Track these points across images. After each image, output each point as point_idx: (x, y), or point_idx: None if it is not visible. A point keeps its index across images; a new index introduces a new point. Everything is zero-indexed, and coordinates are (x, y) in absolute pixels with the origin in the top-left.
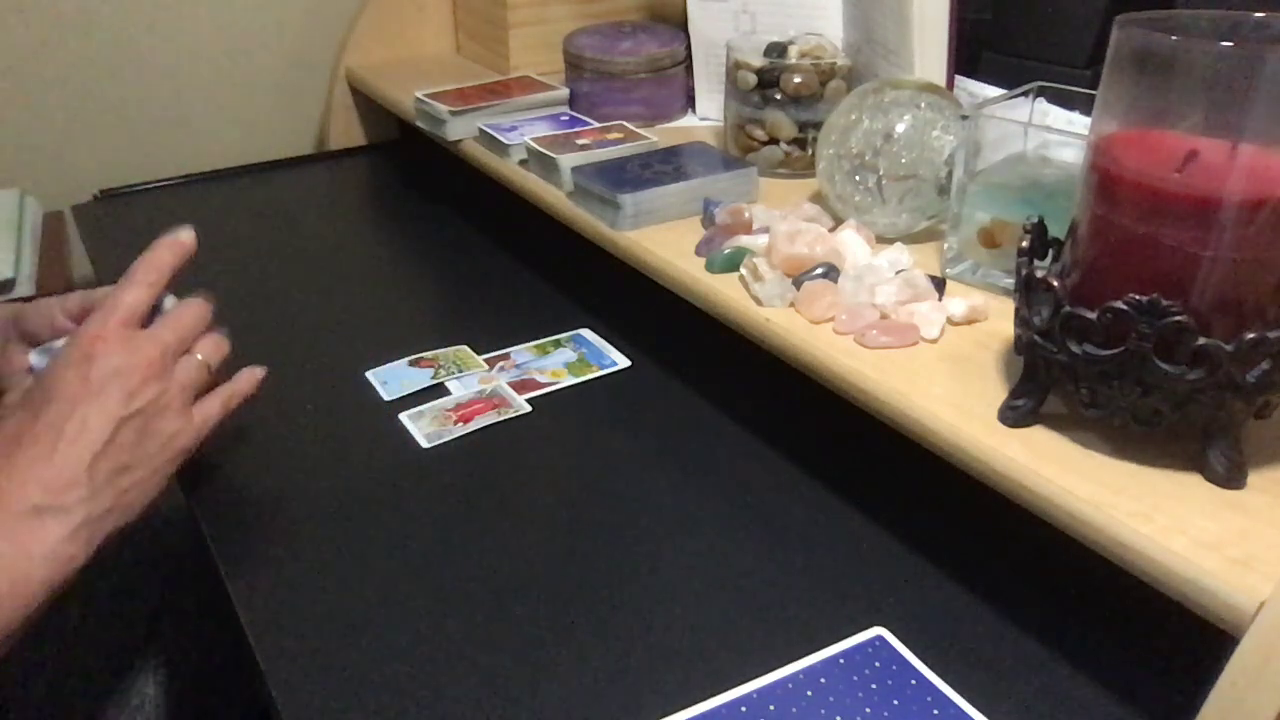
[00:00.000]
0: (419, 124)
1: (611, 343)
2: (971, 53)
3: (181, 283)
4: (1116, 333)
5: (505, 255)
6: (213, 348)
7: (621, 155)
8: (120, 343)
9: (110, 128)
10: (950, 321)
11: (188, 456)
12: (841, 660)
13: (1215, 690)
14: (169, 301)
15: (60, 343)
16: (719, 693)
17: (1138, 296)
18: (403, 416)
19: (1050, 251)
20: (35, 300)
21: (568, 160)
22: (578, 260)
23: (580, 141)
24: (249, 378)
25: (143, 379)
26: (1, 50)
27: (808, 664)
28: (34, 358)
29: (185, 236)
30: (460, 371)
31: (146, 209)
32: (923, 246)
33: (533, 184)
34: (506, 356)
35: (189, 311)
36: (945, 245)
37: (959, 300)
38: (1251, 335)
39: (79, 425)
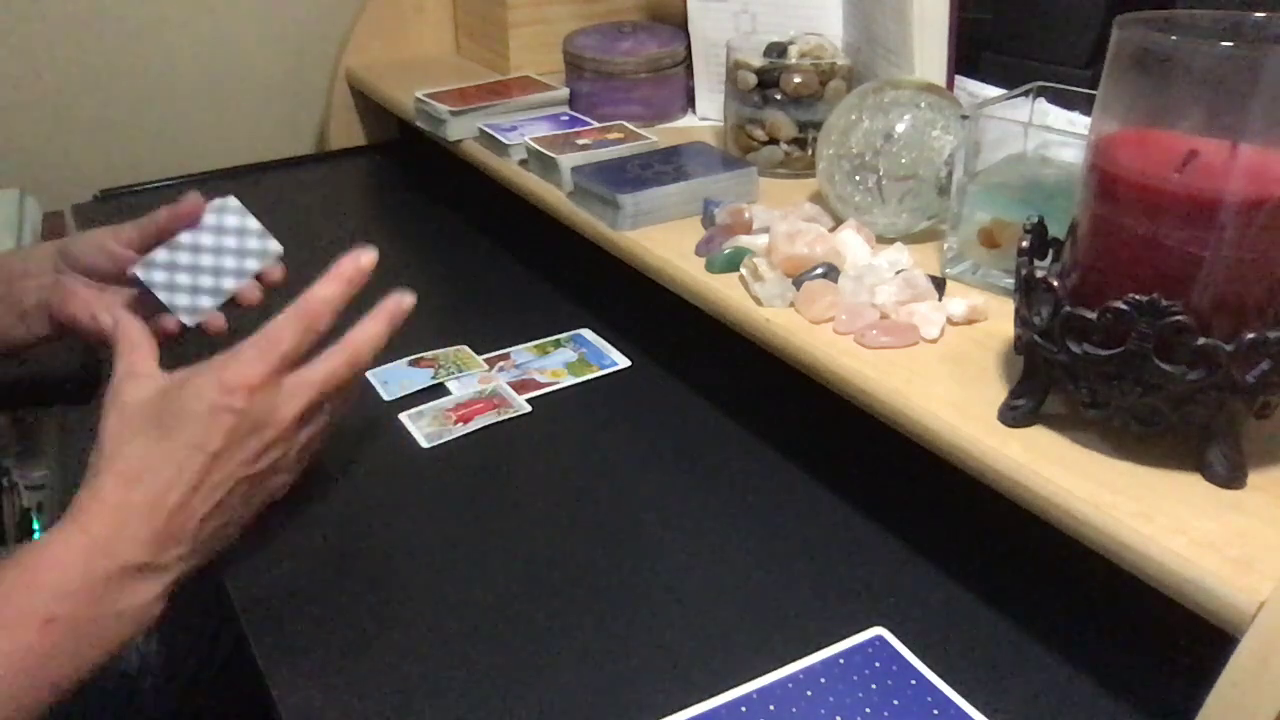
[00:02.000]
0: (419, 124)
1: (611, 343)
2: (971, 53)
3: None
4: (1116, 333)
5: (505, 255)
6: (343, 403)
7: (621, 155)
8: (265, 395)
9: (110, 128)
10: (950, 321)
11: None
12: (841, 660)
13: (1215, 690)
14: (252, 221)
15: (161, 253)
16: (719, 693)
17: (1138, 296)
18: (403, 416)
19: (1050, 251)
20: (75, 236)
21: (568, 160)
22: (578, 260)
23: (580, 141)
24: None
25: (274, 441)
26: (1, 51)
27: (808, 664)
28: (139, 271)
29: (366, 262)
30: (460, 371)
31: (146, 209)
32: (923, 246)
33: (533, 184)
34: (506, 356)
35: (343, 367)
36: (945, 245)
37: (959, 300)
38: (1251, 335)
39: (199, 480)
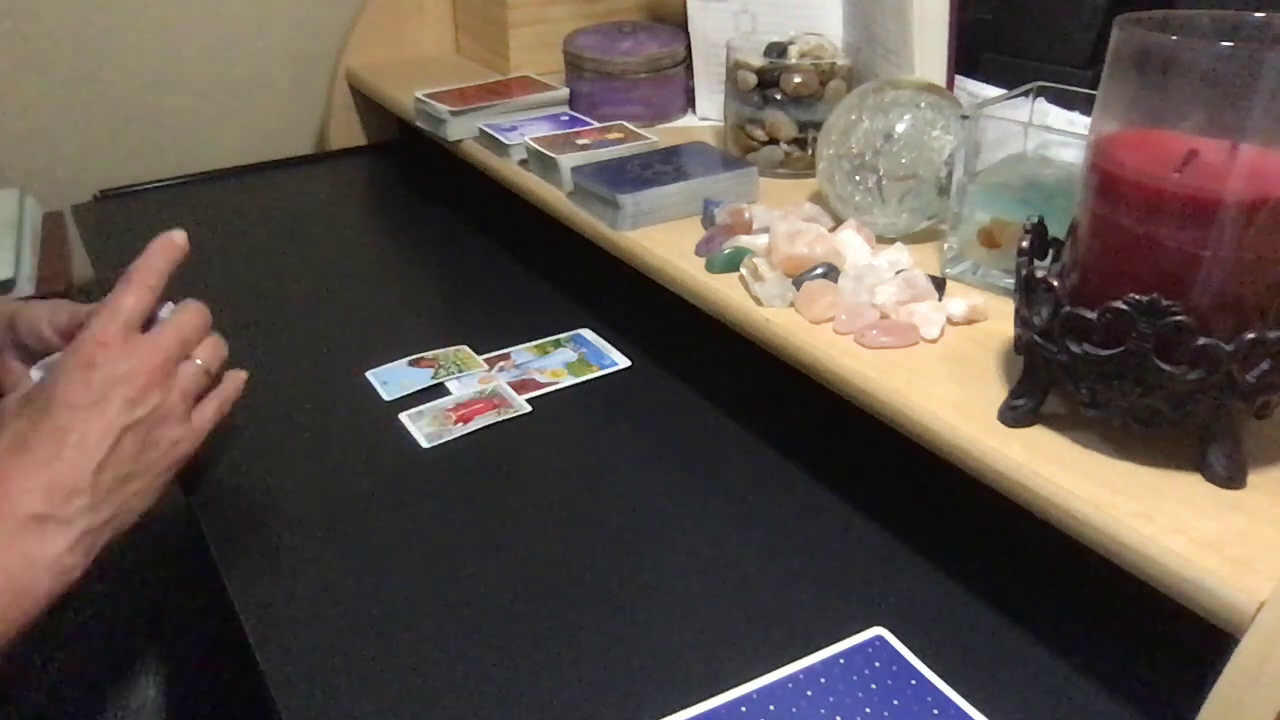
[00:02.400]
0: (419, 124)
1: (611, 343)
2: (971, 53)
3: (183, 283)
4: (1116, 333)
5: (505, 255)
6: (212, 351)
7: (621, 155)
8: (122, 349)
9: (110, 128)
10: (950, 321)
11: (186, 462)
12: (841, 660)
13: (1215, 690)
14: (165, 309)
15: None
16: (719, 693)
17: (1138, 296)
18: (403, 416)
19: (1050, 251)
20: (29, 302)
21: (568, 160)
22: (578, 260)
23: (580, 141)
24: (235, 381)
25: (145, 386)
26: (2, 51)
27: (808, 664)
28: (35, 373)
29: (178, 238)
30: (460, 371)
31: (146, 209)
32: (923, 246)
33: (533, 184)
34: (506, 356)
35: (189, 316)
36: (945, 245)
37: (959, 300)
38: (1251, 335)
39: (81, 433)
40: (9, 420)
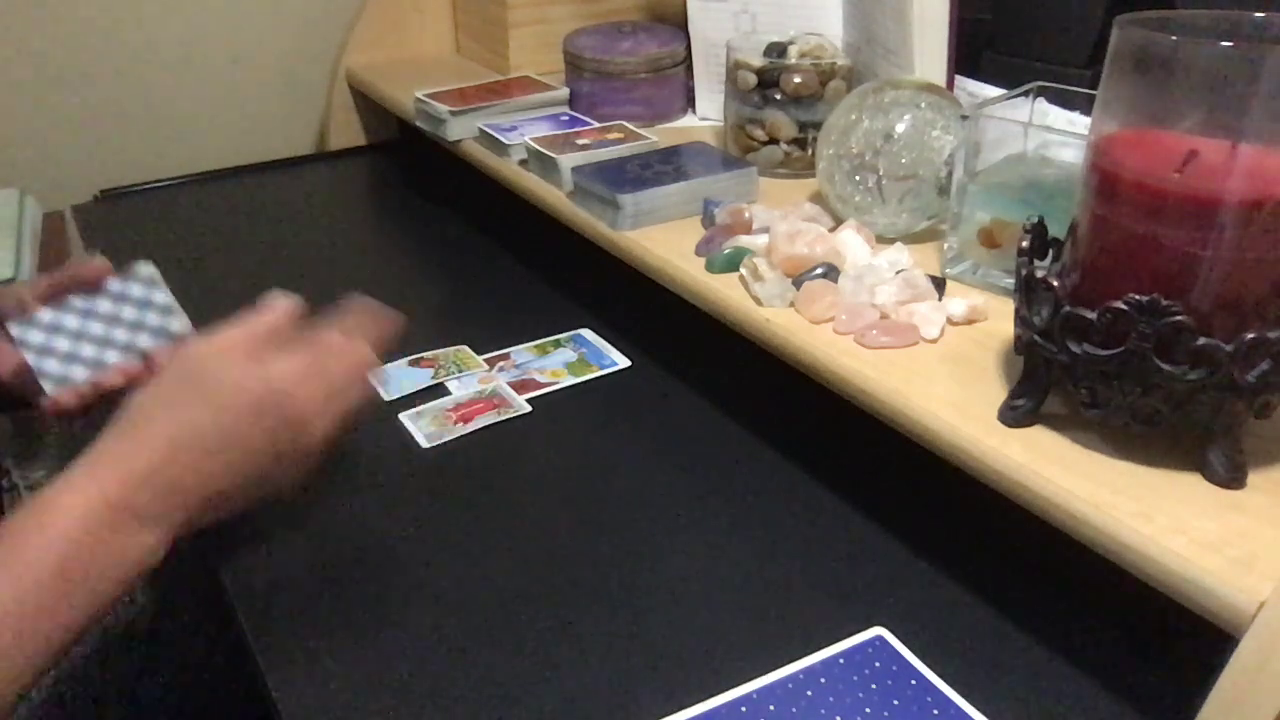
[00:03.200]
0: (419, 124)
1: (611, 343)
2: (971, 53)
3: (183, 283)
4: (1116, 333)
5: (505, 255)
6: (369, 406)
7: (621, 155)
8: (317, 403)
9: (110, 128)
10: (950, 321)
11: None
12: (841, 660)
13: (1215, 690)
14: (161, 295)
15: (46, 313)
16: (719, 693)
17: (1138, 296)
18: (403, 416)
19: (1050, 251)
20: (7, 287)
21: (568, 160)
22: (578, 260)
23: (580, 141)
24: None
25: (294, 439)
26: (2, 52)
27: (808, 664)
28: (14, 330)
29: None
30: (460, 371)
31: (146, 209)
32: (923, 246)
33: (533, 184)
34: (506, 356)
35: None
36: (945, 245)
37: (959, 300)
38: (1251, 335)
39: (216, 445)
40: (164, 373)
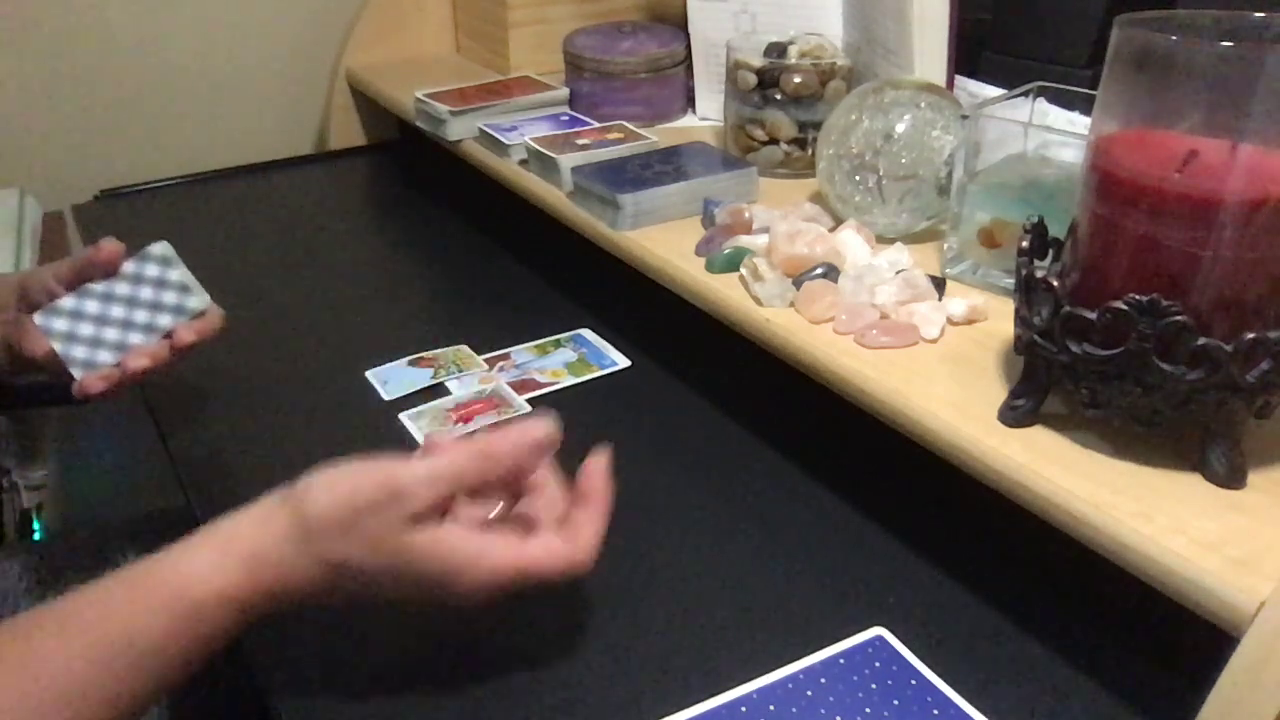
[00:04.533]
0: (419, 124)
1: (611, 343)
2: (971, 53)
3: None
4: (1116, 333)
5: (505, 255)
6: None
7: (621, 155)
8: (496, 587)
9: (110, 128)
10: (950, 321)
11: None
12: (841, 660)
13: (1215, 690)
14: (176, 273)
15: (69, 300)
16: (719, 693)
17: (1138, 296)
18: (403, 416)
19: (1050, 251)
20: (33, 270)
21: (568, 160)
22: (578, 260)
23: (580, 141)
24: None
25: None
26: (2, 51)
27: (808, 664)
28: (38, 319)
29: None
30: (460, 371)
31: (146, 209)
32: (923, 246)
33: (533, 184)
34: (506, 356)
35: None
36: (945, 245)
37: (959, 300)
38: (1251, 335)
39: (355, 597)
40: (367, 507)
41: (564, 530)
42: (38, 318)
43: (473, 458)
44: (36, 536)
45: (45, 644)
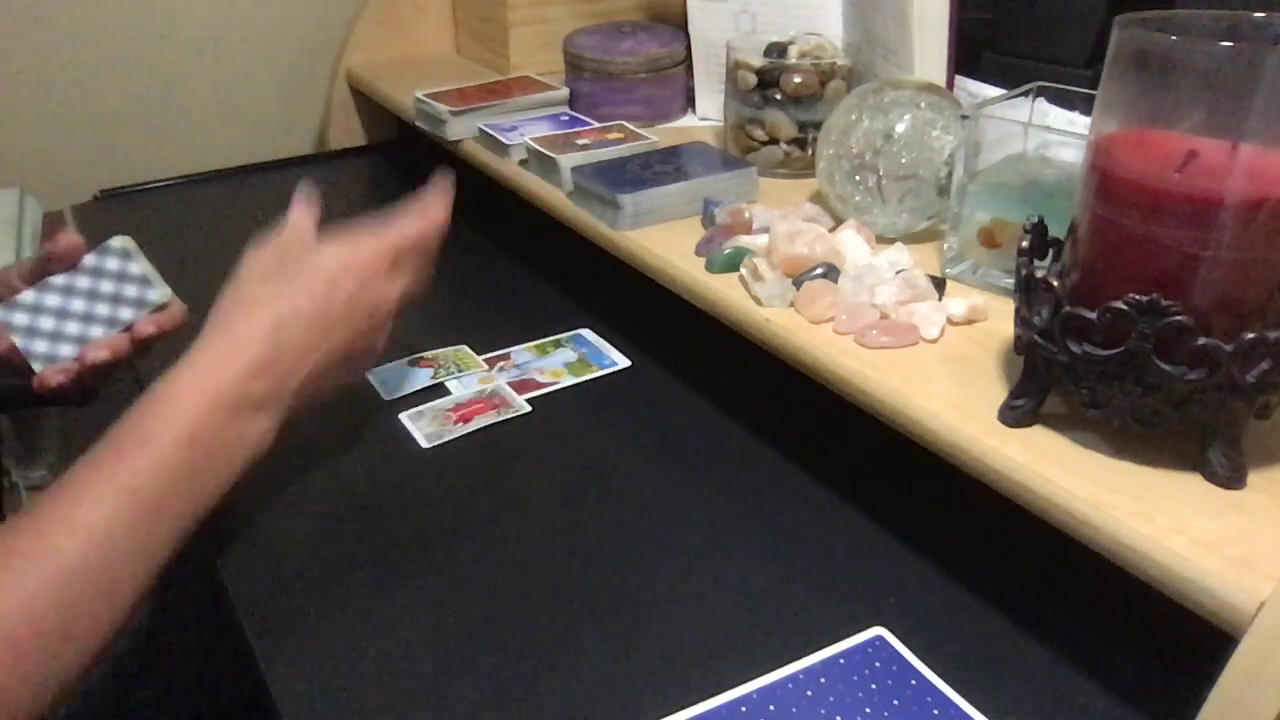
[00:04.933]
0: (419, 124)
1: (611, 343)
2: (971, 53)
3: (182, 284)
4: (1116, 333)
5: (505, 255)
6: (424, 278)
7: (621, 155)
8: (382, 281)
9: (110, 128)
10: (950, 321)
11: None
12: (841, 660)
13: (1215, 690)
14: (137, 266)
15: (29, 294)
16: (719, 693)
17: (1138, 296)
18: (403, 416)
19: (1050, 251)
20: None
21: (568, 160)
22: (578, 260)
23: (580, 141)
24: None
25: (387, 315)
26: (2, 51)
27: (808, 664)
28: (1, 311)
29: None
30: (460, 371)
31: (146, 209)
32: (923, 246)
33: (533, 184)
34: (506, 356)
35: (430, 238)
36: (945, 245)
37: (959, 300)
38: (1251, 335)
39: (318, 333)
40: (258, 257)
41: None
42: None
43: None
44: None
45: (80, 509)
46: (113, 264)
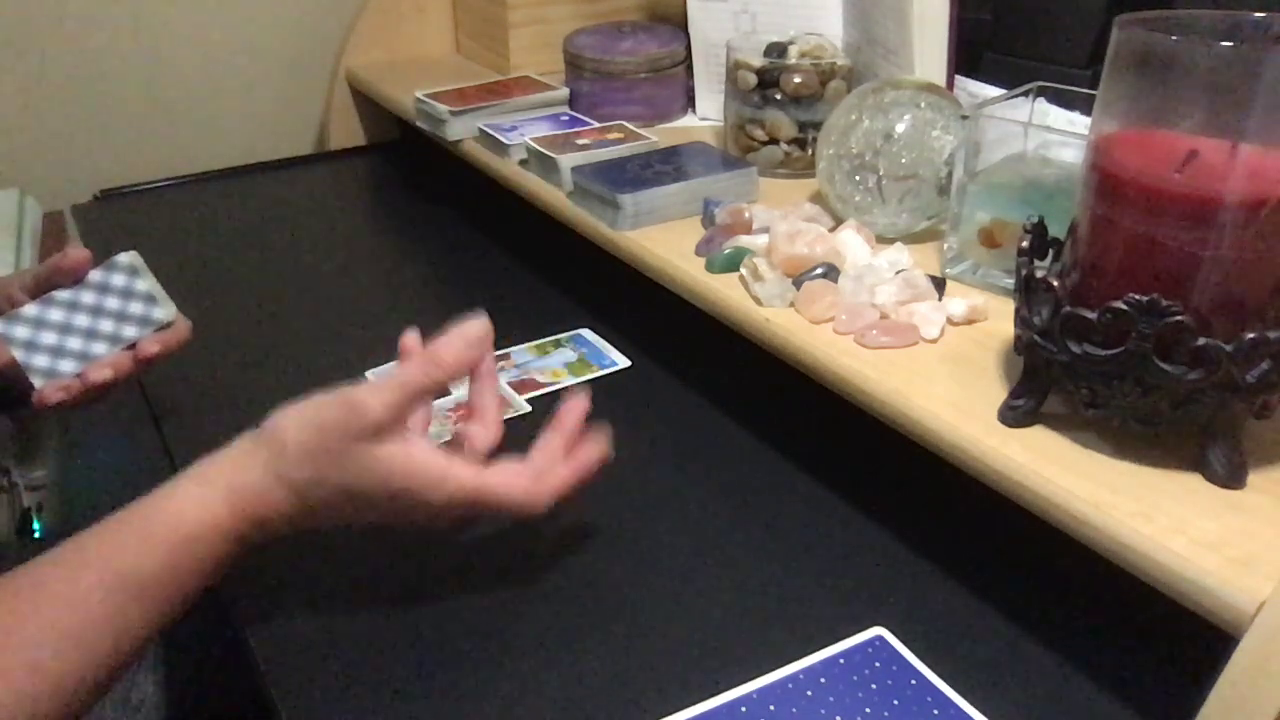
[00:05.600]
0: (419, 124)
1: (611, 343)
2: (971, 53)
3: (182, 283)
4: (1116, 333)
5: (505, 255)
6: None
7: (621, 155)
8: (455, 510)
9: (110, 128)
10: (950, 321)
11: None
12: (841, 660)
13: (1215, 690)
14: (143, 283)
15: (32, 308)
16: (719, 693)
17: (1138, 296)
18: None
19: (1050, 251)
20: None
21: (568, 160)
22: (578, 260)
23: (580, 141)
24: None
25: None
26: (2, 51)
27: (808, 664)
28: (1, 324)
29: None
30: None
31: (146, 209)
32: (923, 246)
33: (533, 184)
34: (506, 356)
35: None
36: (945, 245)
37: (959, 300)
38: (1251, 335)
39: (338, 521)
40: (324, 432)
41: (526, 464)
42: (0, 323)
43: (418, 364)
44: (37, 536)
45: (57, 586)
46: (119, 280)
